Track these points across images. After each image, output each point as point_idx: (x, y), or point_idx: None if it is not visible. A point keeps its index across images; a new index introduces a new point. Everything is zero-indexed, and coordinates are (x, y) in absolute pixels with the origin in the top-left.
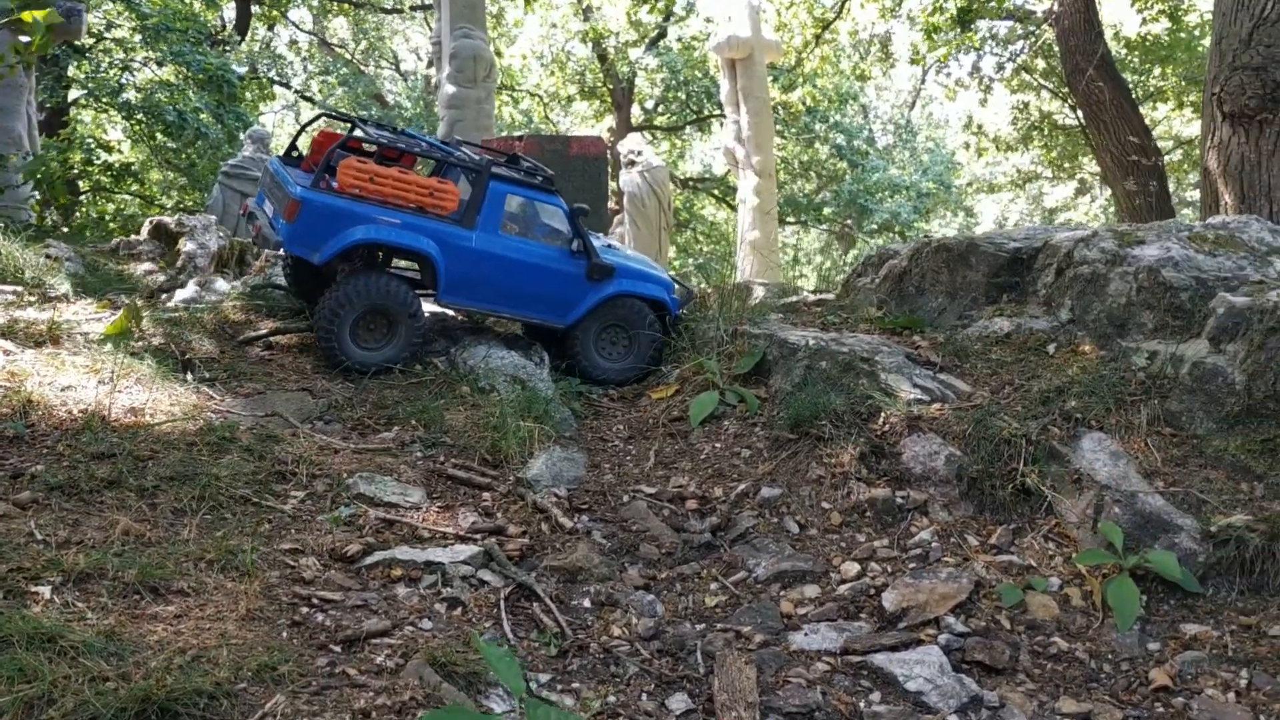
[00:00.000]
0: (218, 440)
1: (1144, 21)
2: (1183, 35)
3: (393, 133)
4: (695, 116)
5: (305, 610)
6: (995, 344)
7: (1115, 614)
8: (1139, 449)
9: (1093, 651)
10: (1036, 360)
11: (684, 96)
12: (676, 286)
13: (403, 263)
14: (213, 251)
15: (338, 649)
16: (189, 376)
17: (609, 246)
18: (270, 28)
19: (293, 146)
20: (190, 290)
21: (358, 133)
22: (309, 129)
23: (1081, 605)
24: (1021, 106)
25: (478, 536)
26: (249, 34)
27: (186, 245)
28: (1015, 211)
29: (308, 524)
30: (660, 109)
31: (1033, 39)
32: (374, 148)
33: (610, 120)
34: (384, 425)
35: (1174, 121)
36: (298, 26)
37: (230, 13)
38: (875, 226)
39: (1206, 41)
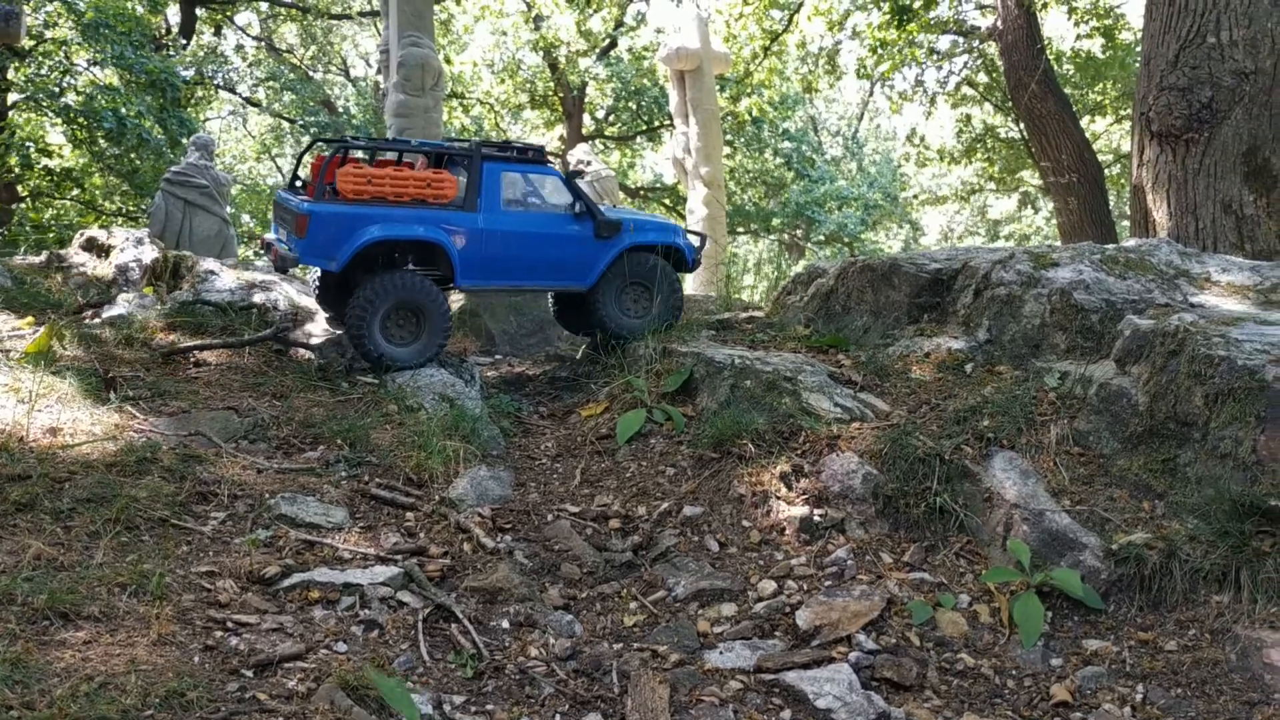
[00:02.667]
0: (138, 461)
1: (1078, 38)
2: (1120, 53)
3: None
4: (646, 127)
5: (219, 634)
6: (915, 363)
7: (1020, 631)
8: (1048, 468)
9: (998, 668)
10: (954, 379)
11: (635, 107)
12: (685, 231)
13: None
14: (146, 265)
15: (249, 674)
16: (112, 395)
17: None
18: (217, 31)
19: (295, 176)
20: (120, 305)
21: (352, 150)
22: (306, 156)
23: (989, 622)
24: (965, 119)
25: (398, 557)
26: (194, 38)
27: (119, 258)
28: (960, 223)
29: (227, 546)
30: (611, 119)
31: (976, 54)
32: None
33: (561, 129)
34: (309, 444)
35: (1113, 135)
36: (244, 31)
37: (175, 16)
38: (823, 237)
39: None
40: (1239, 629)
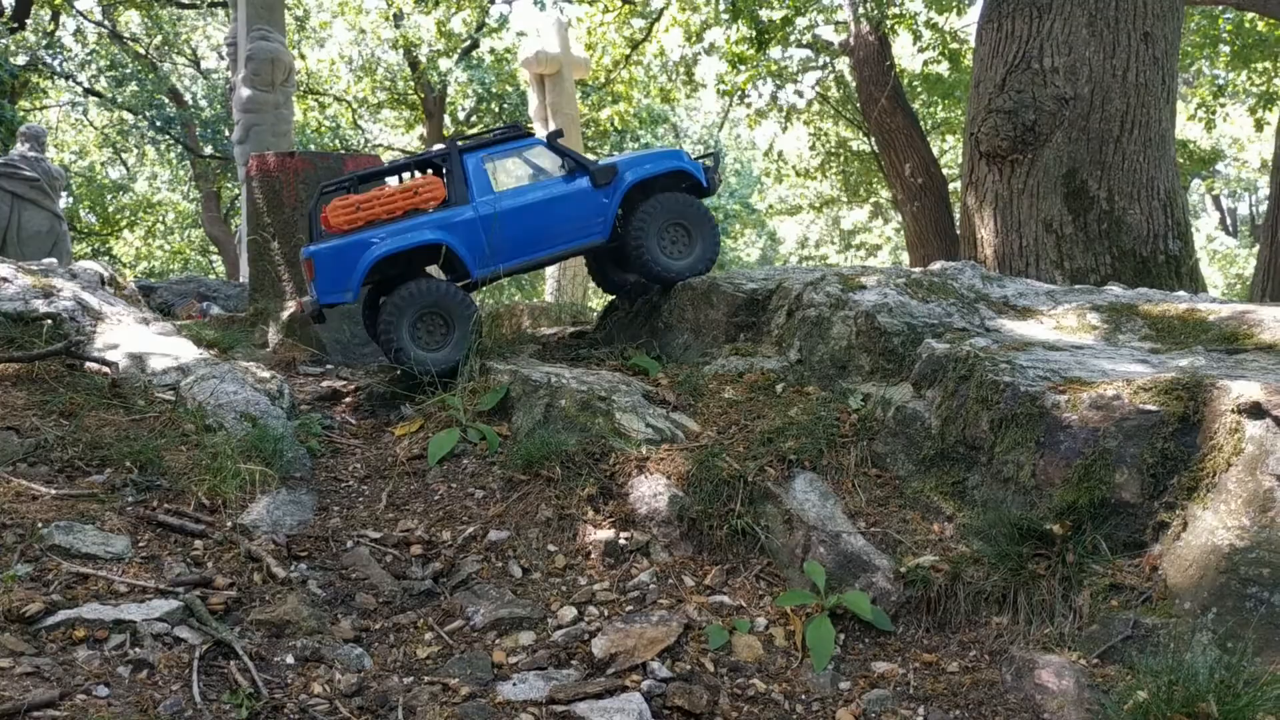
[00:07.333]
0: None
1: (925, 63)
2: (965, 75)
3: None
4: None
5: None
6: (729, 383)
7: (812, 654)
8: (847, 489)
9: (788, 692)
10: (764, 400)
11: (497, 109)
12: (688, 153)
13: None
14: None
15: None
16: None
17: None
18: (55, 17)
19: (310, 224)
20: None
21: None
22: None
23: (784, 645)
24: (818, 134)
25: (180, 590)
26: (29, 21)
27: None
28: (815, 232)
29: None
30: (473, 120)
31: (829, 69)
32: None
33: (422, 129)
34: (96, 467)
35: (958, 151)
36: (85, 16)
37: None
38: None
39: None
40: (1015, 650)
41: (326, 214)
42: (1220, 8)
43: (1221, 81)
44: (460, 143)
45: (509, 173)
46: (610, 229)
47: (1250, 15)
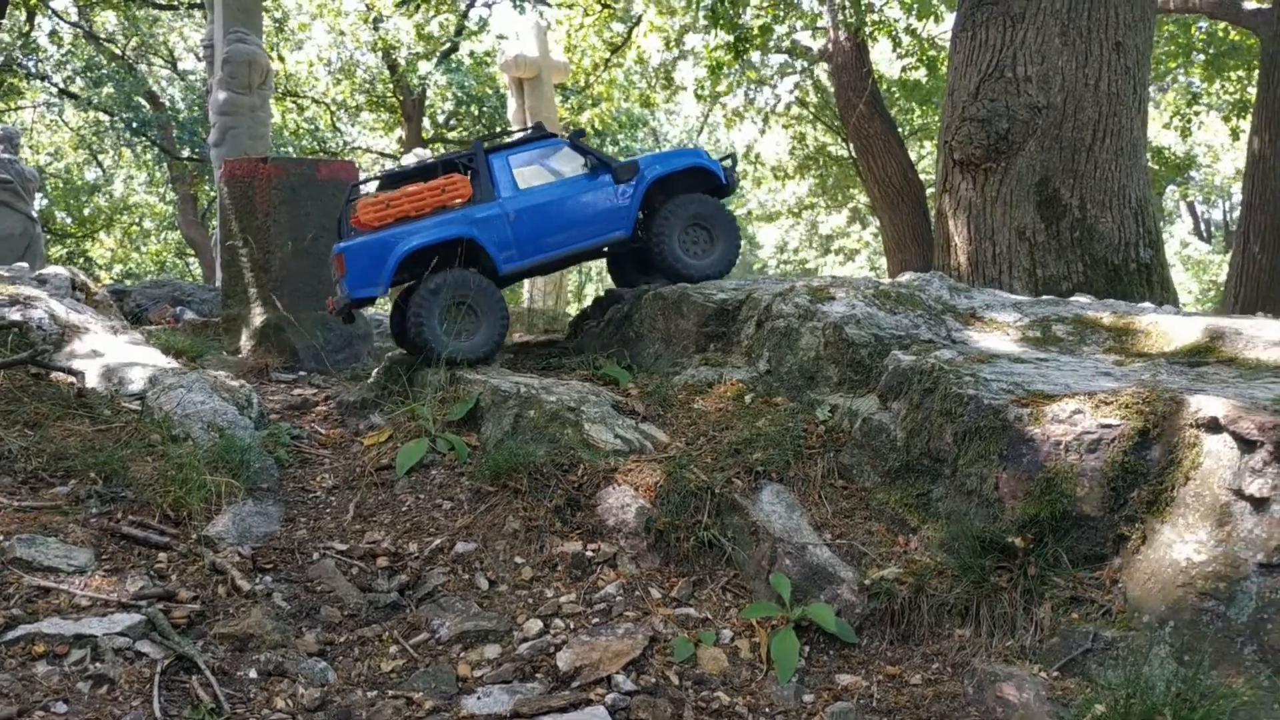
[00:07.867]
0: None
1: (904, 70)
2: (942, 82)
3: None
4: (487, 133)
5: None
6: (698, 393)
7: (776, 666)
8: (814, 501)
9: (752, 705)
10: (733, 410)
11: (476, 112)
12: (708, 153)
13: None
14: None
15: None
16: None
17: None
18: (30, 17)
19: (340, 225)
20: None
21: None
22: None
23: (749, 658)
24: (799, 138)
25: (143, 603)
26: (4, 21)
27: None
28: (794, 238)
29: None
30: (452, 123)
31: (808, 74)
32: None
33: (401, 132)
34: (60, 478)
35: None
36: (61, 17)
37: None
38: None
39: None
40: (977, 662)
41: (357, 212)
42: (1193, 16)
43: (1196, 90)
44: (485, 144)
45: (533, 172)
46: (632, 225)
47: (1223, 24)
